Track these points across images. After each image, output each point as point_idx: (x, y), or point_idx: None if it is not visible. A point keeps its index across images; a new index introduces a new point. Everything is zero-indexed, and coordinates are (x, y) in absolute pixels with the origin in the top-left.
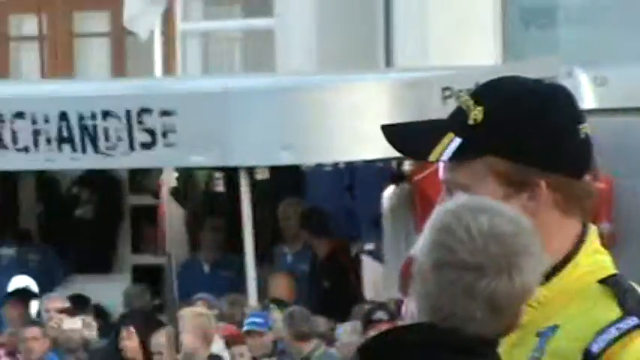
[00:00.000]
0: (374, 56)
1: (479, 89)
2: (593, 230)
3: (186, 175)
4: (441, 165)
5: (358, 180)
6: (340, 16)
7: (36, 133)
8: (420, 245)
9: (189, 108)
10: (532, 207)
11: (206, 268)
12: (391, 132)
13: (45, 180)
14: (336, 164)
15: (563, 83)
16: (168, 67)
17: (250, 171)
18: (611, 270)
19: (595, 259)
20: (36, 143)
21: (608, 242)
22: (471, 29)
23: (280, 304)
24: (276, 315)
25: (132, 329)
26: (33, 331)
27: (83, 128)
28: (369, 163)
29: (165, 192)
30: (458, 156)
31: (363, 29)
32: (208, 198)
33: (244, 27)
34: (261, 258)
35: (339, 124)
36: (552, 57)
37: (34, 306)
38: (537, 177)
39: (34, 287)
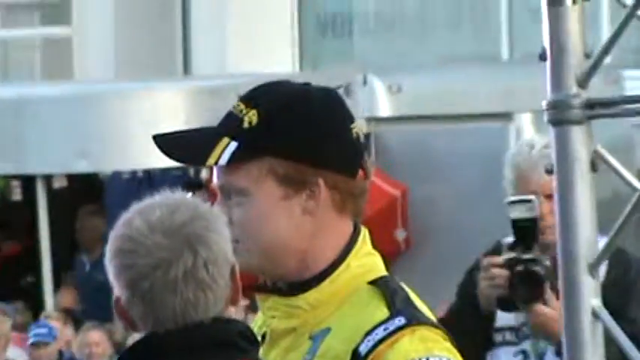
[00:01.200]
0: (172, 64)
1: (250, 94)
2: (363, 232)
3: None
4: (216, 171)
5: (156, 187)
6: (138, 24)
7: None
8: (112, 281)
9: None
10: (311, 206)
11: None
12: (164, 141)
13: None
14: (134, 172)
15: (358, 91)
16: None
17: (47, 179)
18: (382, 272)
19: (366, 261)
20: None
21: (404, 247)
22: (268, 37)
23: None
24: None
25: None
26: None
27: None
28: (166, 171)
29: None
30: (236, 159)
31: (162, 37)
32: (5, 206)
33: (43, 35)
34: (61, 267)
35: (136, 131)
36: (348, 65)
37: None
38: (315, 176)
39: None
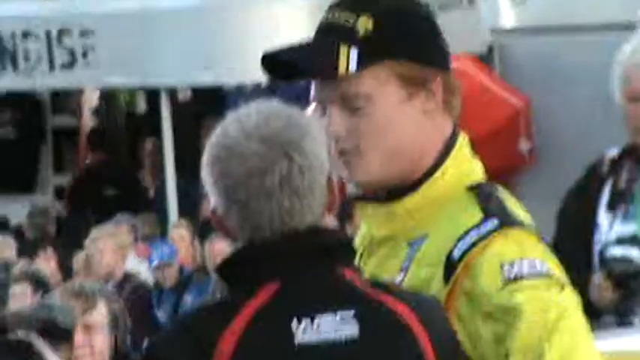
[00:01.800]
0: None
1: (348, 3)
2: (463, 136)
3: (108, 95)
4: (324, 83)
5: (280, 99)
6: None
7: None
8: (209, 190)
9: (109, 28)
10: (431, 106)
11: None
12: (279, 56)
13: None
14: (257, 84)
15: (482, 2)
16: None
17: (172, 91)
18: (479, 177)
19: (464, 167)
20: None
21: (529, 159)
22: None
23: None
24: (184, 233)
25: (49, 251)
26: None
27: (3, 49)
28: (290, 82)
29: (86, 112)
30: (361, 65)
31: None
32: (130, 118)
33: None
34: (187, 177)
35: (260, 43)
36: None
37: None
38: (433, 74)
39: None
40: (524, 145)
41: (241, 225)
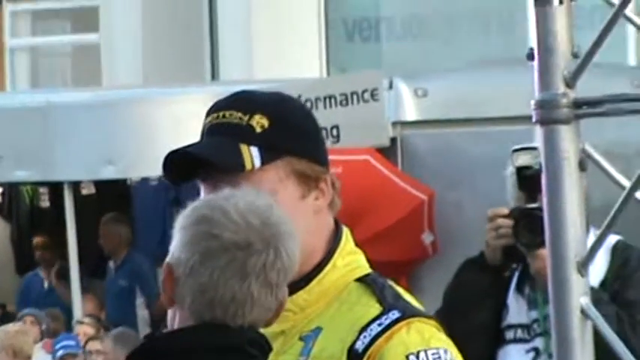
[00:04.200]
0: (200, 70)
1: (237, 104)
2: (346, 230)
3: (12, 190)
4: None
5: (184, 193)
6: (165, 31)
7: None
8: (178, 246)
9: (12, 122)
10: (319, 205)
11: (45, 284)
12: (188, 154)
13: None
14: (161, 178)
15: (385, 95)
16: None
17: (75, 186)
18: (367, 269)
19: (351, 259)
20: None
21: (432, 251)
22: (295, 42)
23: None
24: (87, 329)
25: None
26: None
27: None
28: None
29: None
30: (264, 161)
31: (189, 43)
32: (34, 213)
33: (73, 42)
34: (91, 272)
35: (164, 137)
36: (375, 70)
37: None
38: (323, 173)
39: None
40: (427, 238)
41: (201, 292)
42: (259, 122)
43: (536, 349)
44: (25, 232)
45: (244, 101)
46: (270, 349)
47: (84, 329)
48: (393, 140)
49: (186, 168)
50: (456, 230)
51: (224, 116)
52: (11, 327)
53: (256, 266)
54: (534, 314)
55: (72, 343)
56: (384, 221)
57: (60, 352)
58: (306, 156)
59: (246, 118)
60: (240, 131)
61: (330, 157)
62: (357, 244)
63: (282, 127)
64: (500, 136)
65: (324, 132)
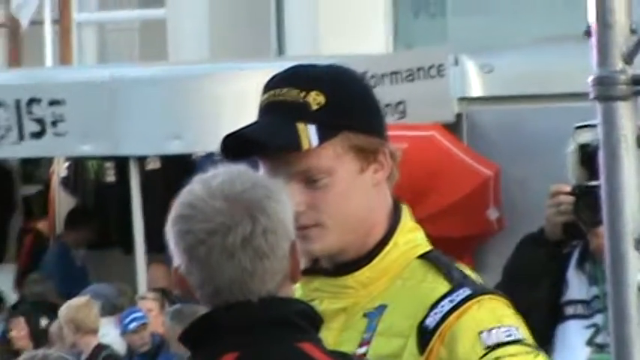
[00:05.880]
0: (266, 44)
1: (293, 80)
2: (405, 207)
3: (77, 164)
4: (280, 161)
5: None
6: (232, 5)
7: None
8: (172, 250)
9: (78, 97)
10: (379, 178)
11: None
12: (244, 136)
13: None
14: None
15: (450, 71)
16: (65, 58)
17: (141, 161)
18: (428, 246)
19: (412, 237)
20: None
21: (497, 227)
22: (362, 17)
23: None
24: (151, 304)
25: (21, 319)
26: None
27: None
28: None
29: (55, 182)
30: (321, 139)
31: (255, 17)
32: (99, 188)
33: (139, 17)
34: (153, 248)
35: (229, 112)
36: (441, 45)
37: None
38: (382, 146)
39: None
40: (492, 214)
41: (202, 285)
42: (315, 99)
43: (595, 326)
44: (90, 206)
45: (300, 77)
46: (321, 321)
47: (147, 304)
48: (459, 116)
49: (244, 147)
50: (521, 206)
51: (280, 94)
52: (75, 301)
53: (236, 242)
54: (594, 290)
55: (140, 314)
56: (449, 197)
57: (132, 325)
58: (364, 130)
59: (302, 95)
60: (296, 109)
61: (396, 132)
62: (422, 220)
63: (339, 102)
64: (566, 112)
65: (389, 108)
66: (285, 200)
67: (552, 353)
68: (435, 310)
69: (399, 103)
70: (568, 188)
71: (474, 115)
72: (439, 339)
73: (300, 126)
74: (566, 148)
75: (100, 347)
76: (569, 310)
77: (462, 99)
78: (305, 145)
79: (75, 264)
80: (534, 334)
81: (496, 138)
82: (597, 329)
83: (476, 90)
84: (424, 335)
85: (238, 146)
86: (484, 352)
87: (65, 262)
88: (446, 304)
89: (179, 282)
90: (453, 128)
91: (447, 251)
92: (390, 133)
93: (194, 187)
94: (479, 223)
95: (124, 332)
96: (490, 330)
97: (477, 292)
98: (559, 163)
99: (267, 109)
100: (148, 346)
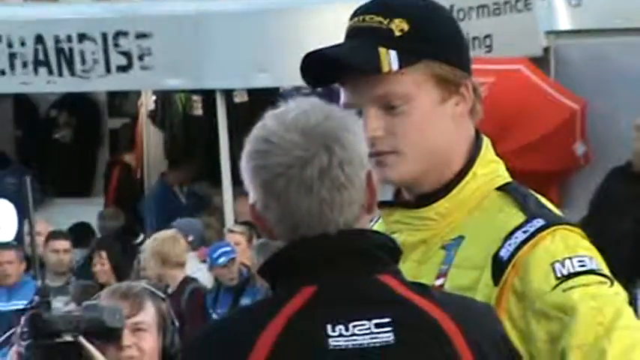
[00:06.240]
0: None
1: (379, 7)
2: (486, 139)
3: (165, 98)
4: (360, 85)
5: (336, 101)
6: None
7: (12, 57)
8: (248, 186)
9: (165, 31)
10: (460, 109)
11: (185, 190)
12: (324, 55)
13: (23, 103)
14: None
15: (538, 4)
16: None
17: (228, 94)
18: (507, 178)
19: (491, 168)
20: (12, 66)
21: (584, 161)
22: None
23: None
24: (239, 238)
25: (103, 254)
26: (9, 255)
27: (59, 51)
28: None
29: (143, 115)
30: (401, 65)
31: None
32: (187, 121)
33: None
34: (240, 182)
35: (316, 45)
36: None
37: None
38: (464, 77)
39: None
40: (579, 148)
41: (280, 220)
42: (399, 26)
43: None
44: (179, 139)
45: (386, 5)
46: (400, 252)
47: (235, 237)
48: (546, 50)
49: (325, 71)
50: (608, 140)
51: (364, 20)
52: (162, 234)
53: (314, 174)
54: None
55: (229, 249)
56: (536, 131)
57: (221, 259)
58: (447, 60)
59: (386, 21)
60: (379, 34)
61: (483, 66)
62: (507, 154)
63: (423, 31)
64: None
65: (476, 41)
66: (359, 131)
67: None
68: (509, 241)
69: (486, 36)
70: None
71: (562, 48)
72: (513, 270)
73: (382, 50)
74: None
75: (187, 280)
76: None
77: (550, 32)
78: (385, 68)
79: (180, 201)
80: (622, 265)
81: (583, 72)
82: None
83: (563, 23)
84: (498, 266)
85: (319, 69)
86: (557, 282)
87: (169, 199)
88: (520, 235)
89: (256, 219)
90: (540, 62)
91: (533, 185)
92: (476, 66)
93: (267, 122)
94: (566, 157)
95: (212, 266)
96: (563, 260)
97: (551, 222)
98: None
99: (352, 33)
100: (235, 281)
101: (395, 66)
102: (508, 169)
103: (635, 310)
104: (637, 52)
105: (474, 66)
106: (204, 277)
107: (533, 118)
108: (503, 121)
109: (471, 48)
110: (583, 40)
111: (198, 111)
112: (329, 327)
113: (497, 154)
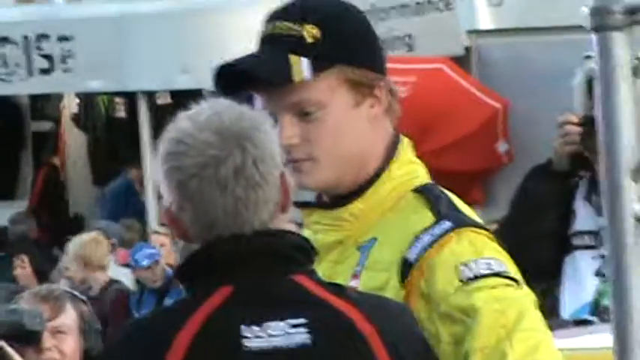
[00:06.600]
0: None
1: (289, 14)
2: (405, 140)
3: (87, 100)
4: (274, 93)
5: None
6: None
7: None
8: (162, 188)
9: (87, 33)
10: (375, 112)
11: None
12: (239, 66)
13: None
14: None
15: (459, 4)
16: None
17: (150, 95)
18: (425, 179)
19: (409, 169)
20: None
21: (507, 159)
22: None
23: None
24: (164, 239)
25: (24, 257)
26: None
27: None
28: None
29: (66, 117)
30: (314, 72)
31: None
32: (110, 124)
33: None
34: None
35: (236, 46)
36: None
37: None
38: (378, 80)
39: None
40: (501, 147)
41: (195, 220)
42: (310, 32)
43: (603, 256)
44: (102, 142)
45: (297, 11)
46: (315, 253)
47: (160, 239)
48: (468, 49)
49: (238, 79)
50: (530, 139)
51: (276, 27)
52: (84, 237)
53: (228, 173)
54: (602, 221)
55: (153, 250)
56: (458, 130)
57: (145, 261)
58: (360, 64)
59: (297, 28)
60: (291, 42)
61: (404, 65)
62: (430, 153)
63: (334, 36)
64: (574, 44)
65: (397, 41)
66: (271, 130)
67: (560, 283)
68: (417, 243)
69: (407, 36)
70: (576, 118)
71: (483, 47)
72: (419, 272)
73: (294, 58)
74: (575, 80)
75: (110, 282)
76: (577, 241)
77: (471, 32)
78: (296, 77)
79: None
80: (542, 265)
81: (505, 71)
82: (604, 259)
83: (485, 23)
84: (405, 268)
85: (233, 79)
86: (461, 284)
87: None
88: (426, 237)
89: (171, 221)
90: (461, 61)
91: (456, 185)
92: (397, 65)
93: (180, 124)
94: (488, 156)
95: (135, 268)
96: (469, 262)
97: (459, 224)
98: (569, 95)
99: (264, 41)
100: (159, 282)
101: (307, 74)
102: (429, 170)
103: (557, 308)
104: (558, 50)
105: (395, 65)
106: (127, 279)
107: (455, 117)
108: (425, 121)
109: (392, 47)
110: (504, 39)
111: (121, 113)
112: (243, 327)
113: (420, 155)
